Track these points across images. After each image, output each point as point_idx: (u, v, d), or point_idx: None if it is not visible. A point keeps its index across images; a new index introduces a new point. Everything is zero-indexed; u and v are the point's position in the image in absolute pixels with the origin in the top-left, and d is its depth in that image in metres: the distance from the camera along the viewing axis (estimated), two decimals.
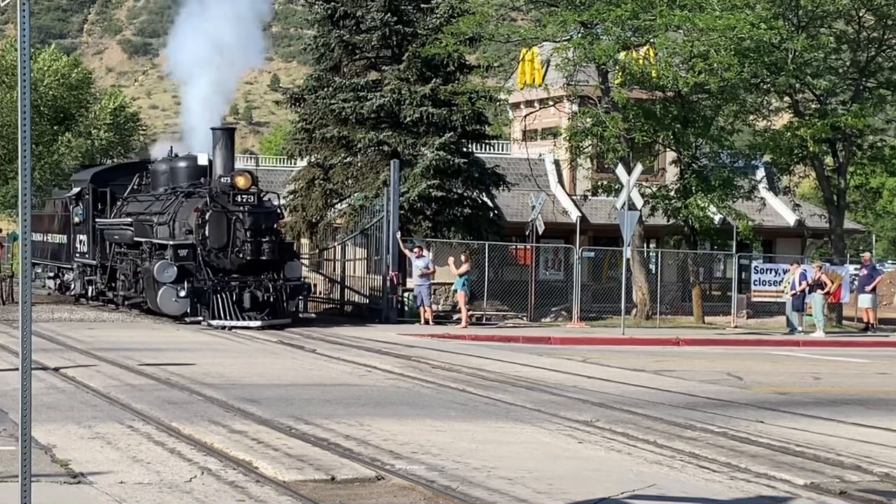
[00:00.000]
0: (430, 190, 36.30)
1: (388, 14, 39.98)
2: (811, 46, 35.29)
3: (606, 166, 37.97)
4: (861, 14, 36.03)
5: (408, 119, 37.03)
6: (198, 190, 30.94)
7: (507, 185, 39.18)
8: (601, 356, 25.30)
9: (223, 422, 14.27)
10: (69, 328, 28.35)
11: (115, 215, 35.39)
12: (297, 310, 31.26)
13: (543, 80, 39.81)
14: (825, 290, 34.01)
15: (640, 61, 34.94)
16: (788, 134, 36.54)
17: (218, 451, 12.22)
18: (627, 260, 32.94)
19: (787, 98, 37.61)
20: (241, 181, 29.65)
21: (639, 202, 32.92)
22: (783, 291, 34.95)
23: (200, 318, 28.91)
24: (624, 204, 31.13)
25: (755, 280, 38.17)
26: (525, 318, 36.52)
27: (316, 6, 43.88)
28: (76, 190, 37.68)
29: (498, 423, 14.87)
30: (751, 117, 37.80)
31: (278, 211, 31.96)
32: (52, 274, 42.28)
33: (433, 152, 36.70)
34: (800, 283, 33.34)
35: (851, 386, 21.01)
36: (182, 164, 33.53)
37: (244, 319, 28.67)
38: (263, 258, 29.54)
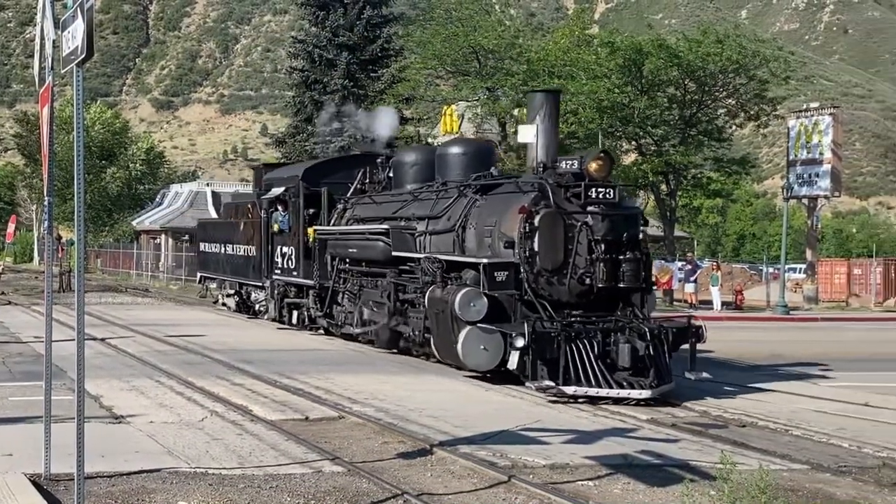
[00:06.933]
0: None
1: (347, 80, 39.95)
2: (651, 105, 35.78)
3: None
4: (686, 83, 36.46)
5: None
6: (504, 182, 15.79)
7: None
8: None
9: (226, 377, 14.15)
10: (112, 309, 27.94)
11: (336, 221, 20.54)
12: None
13: (459, 128, 39.89)
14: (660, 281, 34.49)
15: None
16: (635, 168, 36.91)
17: (223, 398, 12.13)
18: None
19: (633, 142, 37.98)
20: (593, 167, 13.89)
21: None
22: None
23: (550, 384, 12.61)
24: None
25: None
26: None
27: (294, 74, 43.90)
28: (277, 191, 22.50)
29: (426, 377, 14.87)
30: None
31: (641, 212, 15.57)
32: (231, 291, 27.17)
33: None
34: None
35: None
36: (455, 149, 17.73)
37: (621, 387, 12.64)
38: (621, 285, 13.90)
